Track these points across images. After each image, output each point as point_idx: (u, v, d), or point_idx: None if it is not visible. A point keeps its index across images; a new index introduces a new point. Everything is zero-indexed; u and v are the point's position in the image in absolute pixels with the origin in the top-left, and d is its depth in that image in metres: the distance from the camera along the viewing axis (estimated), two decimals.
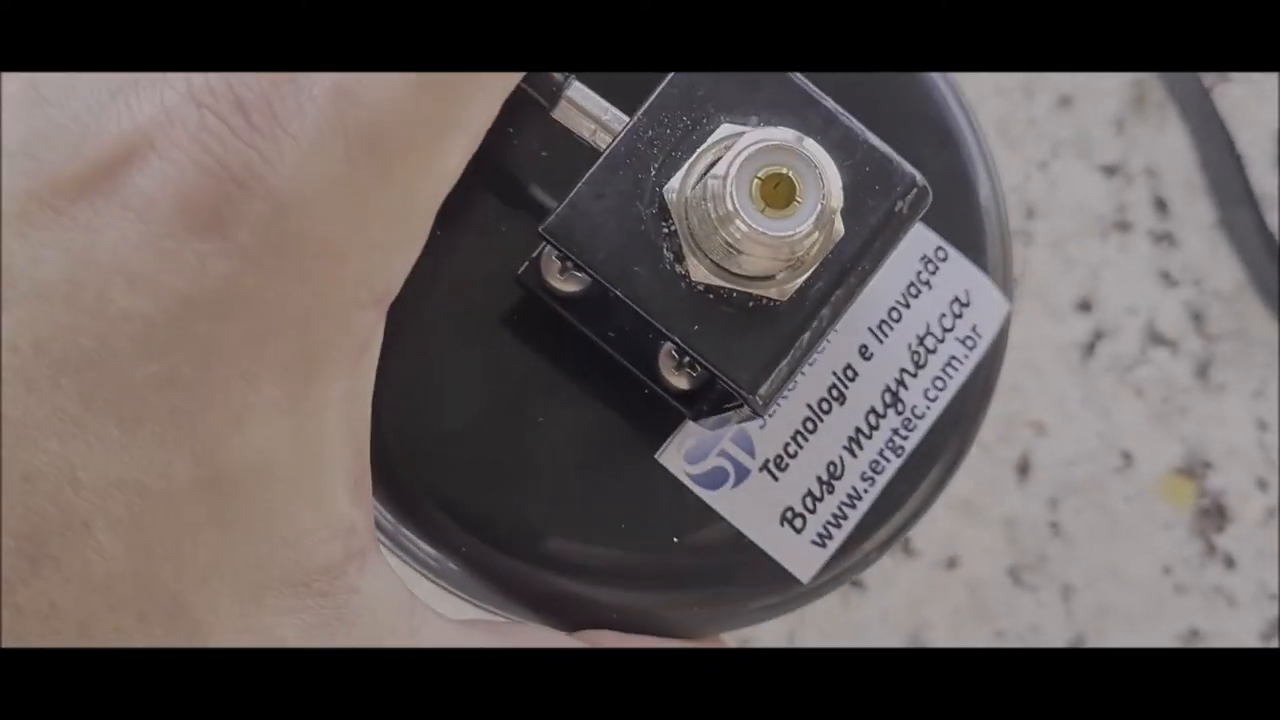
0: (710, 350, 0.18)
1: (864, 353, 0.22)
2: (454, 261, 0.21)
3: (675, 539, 0.21)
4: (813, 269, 0.18)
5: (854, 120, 0.19)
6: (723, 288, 0.18)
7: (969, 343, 0.22)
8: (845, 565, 0.22)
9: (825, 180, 0.17)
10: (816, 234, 0.18)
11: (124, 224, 0.15)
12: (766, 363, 0.18)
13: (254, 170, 0.15)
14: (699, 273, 0.18)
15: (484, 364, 0.21)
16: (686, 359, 0.21)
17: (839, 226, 0.18)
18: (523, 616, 0.22)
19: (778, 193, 0.17)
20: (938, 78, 0.23)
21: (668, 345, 0.21)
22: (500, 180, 0.21)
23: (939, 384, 0.22)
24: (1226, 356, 0.34)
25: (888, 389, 0.22)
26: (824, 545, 0.21)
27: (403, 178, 0.16)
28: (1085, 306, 0.34)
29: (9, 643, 0.15)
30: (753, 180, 0.17)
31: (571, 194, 0.18)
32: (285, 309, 0.16)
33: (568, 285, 0.21)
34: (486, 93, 0.17)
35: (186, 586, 0.15)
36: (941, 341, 0.22)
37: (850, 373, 0.22)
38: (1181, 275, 0.34)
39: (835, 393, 0.22)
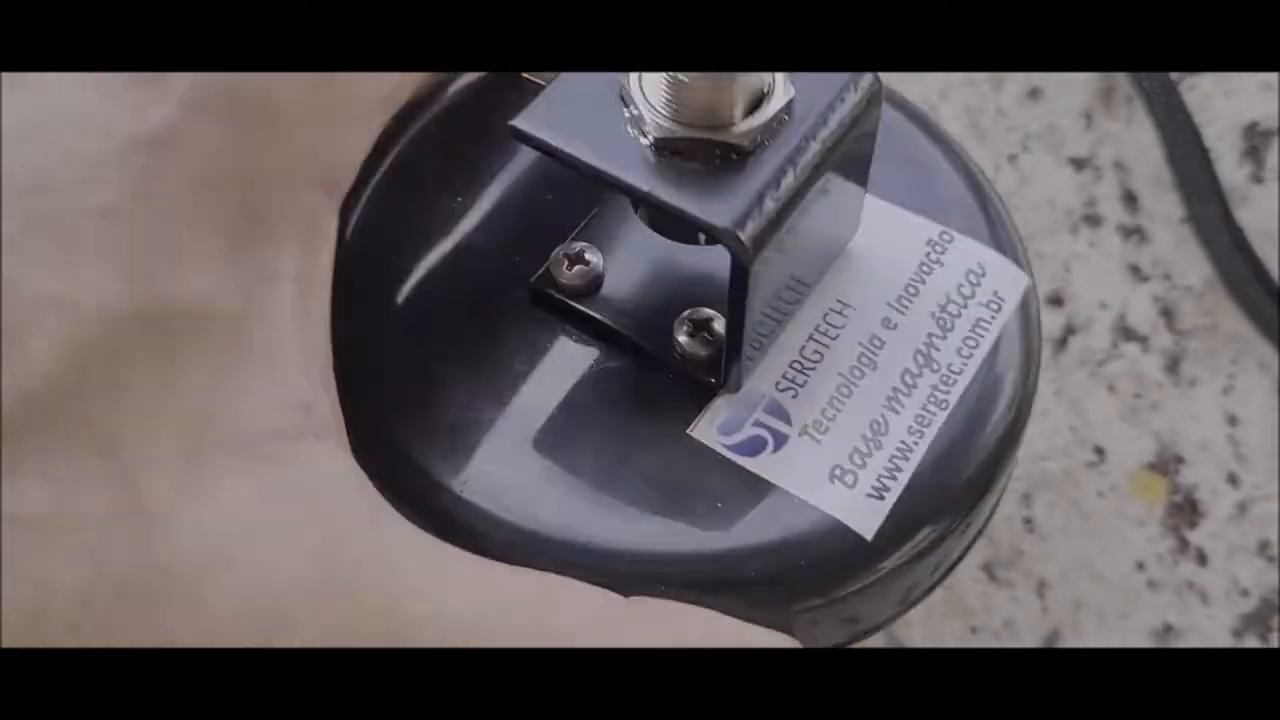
0: (684, 199, 0.18)
1: (887, 324, 0.23)
2: (472, 275, 0.22)
3: (719, 504, 0.21)
4: (771, 117, 0.19)
5: None
6: (688, 139, 0.19)
7: (993, 306, 0.23)
8: (918, 529, 0.21)
9: None
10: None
11: (73, 79, 0.16)
12: (742, 204, 0.19)
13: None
14: (664, 127, 0.19)
15: (506, 372, 0.22)
16: (702, 324, 0.21)
17: (789, 86, 0.19)
18: None
19: None
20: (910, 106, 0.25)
21: (684, 315, 0.21)
22: (510, 204, 0.22)
23: (970, 343, 0.23)
24: (1197, 352, 0.34)
25: (919, 351, 0.22)
26: (882, 498, 0.21)
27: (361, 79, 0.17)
28: (1057, 301, 0.34)
29: None
30: None
31: (541, 94, 0.19)
32: (226, 163, 0.16)
33: (578, 278, 0.22)
34: None
35: (121, 423, 0.15)
36: (965, 307, 0.23)
37: (877, 341, 0.23)
38: (1151, 270, 0.34)
39: (865, 360, 0.22)
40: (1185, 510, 0.34)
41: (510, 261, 0.22)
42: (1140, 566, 0.34)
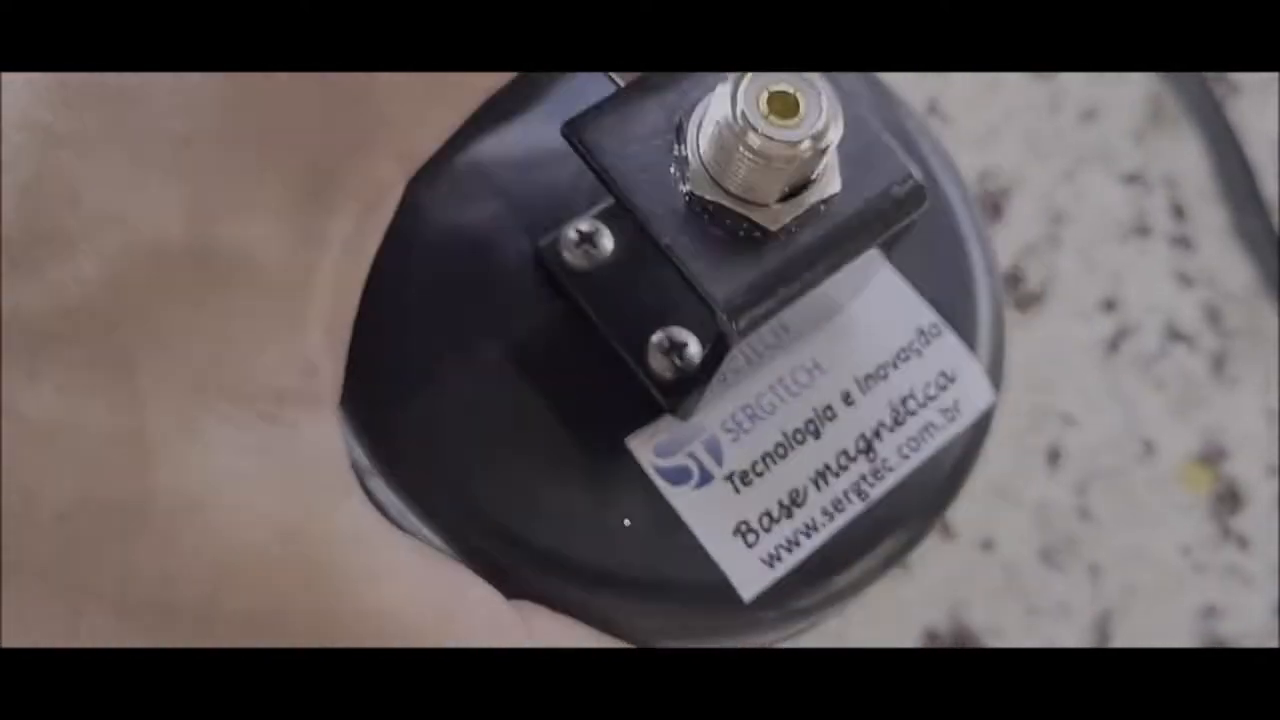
0: (695, 262, 0.18)
1: (846, 398, 0.22)
2: (480, 233, 0.22)
3: (626, 522, 0.21)
4: (806, 208, 0.19)
5: (867, 112, 0.19)
6: (721, 205, 0.18)
7: (949, 415, 0.23)
8: (791, 600, 0.22)
9: (825, 103, 0.18)
10: (813, 158, 0.18)
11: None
12: (746, 286, 0.18)
13: None
14: (701, 188, 0.18)
15: (481, 319, 0.22)
16: (674, 347, 0.21)
17: (835, 180, 0.19)
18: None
19: (782, 104, 0.18)
20: (952, 184, 0.24)
21: (659, 335, 0.21)
22: (546, 158, 0.21)
23: (913, 444, 0.22)
24: (1240, 352, 0.37)
25: (863, 436, 0.22)
26: (772, 566, 0.21)
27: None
28: (1109, 306, 0.37)
29: None
30: (762, 93, 0.18)
31: (598, 102, 0.19)
32: (309, 120, 0.16)
33: (581, 261, 0.22)
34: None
35: (141, 348, 0.15)
36: (923, 406, 0.23)
37: (830, 412, 0.22)
38: (1198, 276, 0.37)
39: (811, 427, 0.22)
40: (1228, 499, 0.36)
41: (530, 213, 0.22)
42: (1186, 551, 0.36)
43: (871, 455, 0.22)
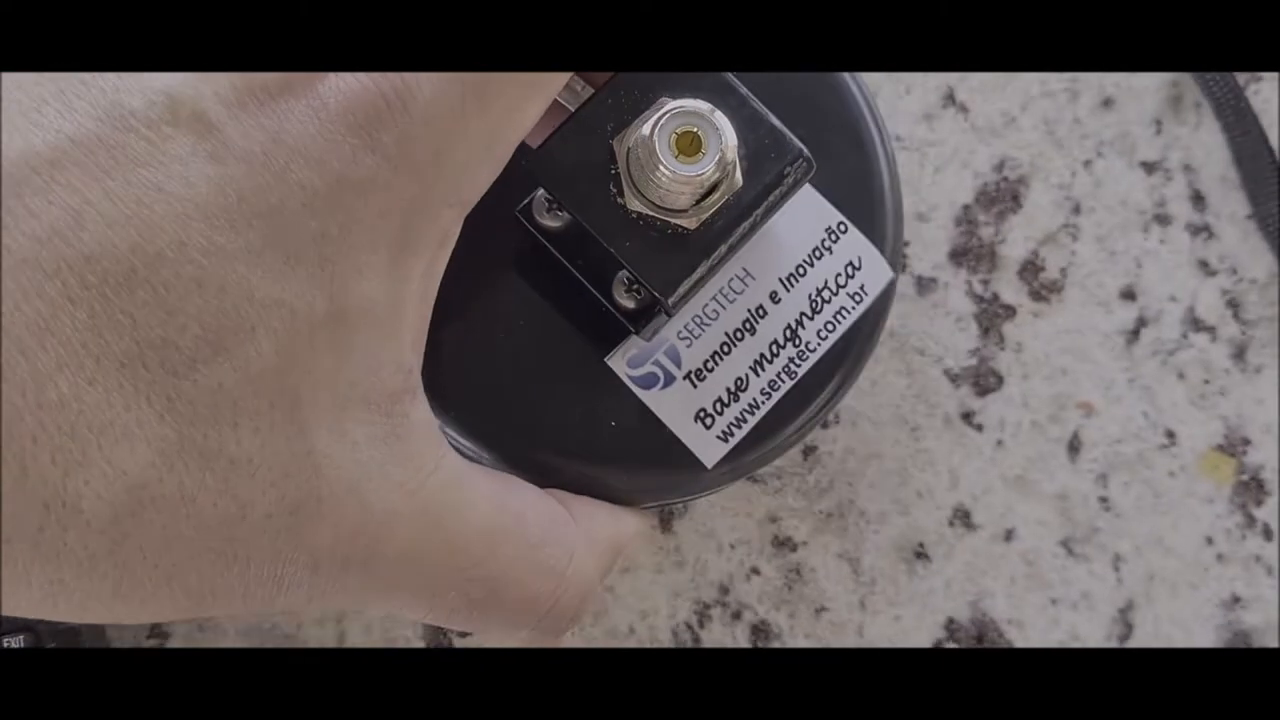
0: (637, 262, 0.24)
1: (773, 297, 0.28)
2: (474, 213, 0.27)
3: (613, 423, 0.28)
4: (716, 208, 0.24)
5: (762, 105, 0.24)
6: (650, 215, 0.24)
7: (856, 298, 0.28)
8: (742, 460, 0.28)
9: (724, 138, 0.23)
10: (716, 176, 0.24)
11: (305, 118, 0.19)
12: (676, 274, 0.24)
13: (400, 94, 0.20)
14: (633, 204, 0.24)
15: (486, 279, 0.28)
16: (633, 285, 0.27)
17: (738, 178, 0.24)
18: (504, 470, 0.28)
19: (688, 145, 0.23)
20: (855, 89, 0.29)
21: (620, 273, 0.27)
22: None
23: (830, 327, 0.28)
24: (1262, 341, 0.36)
25: (789, 326, 0.28)
26: (726, 440, 0.28)
27: (496, 118, 0.21)
28: (1129, 295, 0.36)
29: (195, 404, 0.19)
30: (671, 135, 0.23)
31: (547, 140, 0.24)
32: (401, 197, 0.20)
33: (551, 222, 0.27)
34: (555, 79, 0.23)
35: (305, 390, 0.20)
36: (835, 294, 0.28)
37: (761, 311, 0.28)
38: (1219, 265, 0.37)
39: (748, 325, 0.28)
40: (1252, 489, 0.36)
41: (506, 188, 0.25)
42: (1209, 541, 0.36)
43: (797, 341, 0.28)
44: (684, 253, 0.24)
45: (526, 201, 0.27)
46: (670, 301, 0.24)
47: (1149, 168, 0.37)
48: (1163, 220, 0.37)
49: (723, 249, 0.24)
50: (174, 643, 0.33)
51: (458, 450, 0.27)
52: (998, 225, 0.36)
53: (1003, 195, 0.36)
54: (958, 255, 0.36)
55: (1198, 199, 0.37)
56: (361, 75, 0.19)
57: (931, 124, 0.36)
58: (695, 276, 0.24)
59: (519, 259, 0.28)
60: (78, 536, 0.18)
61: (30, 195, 0.17)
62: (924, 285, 0.36)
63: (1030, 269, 0.36)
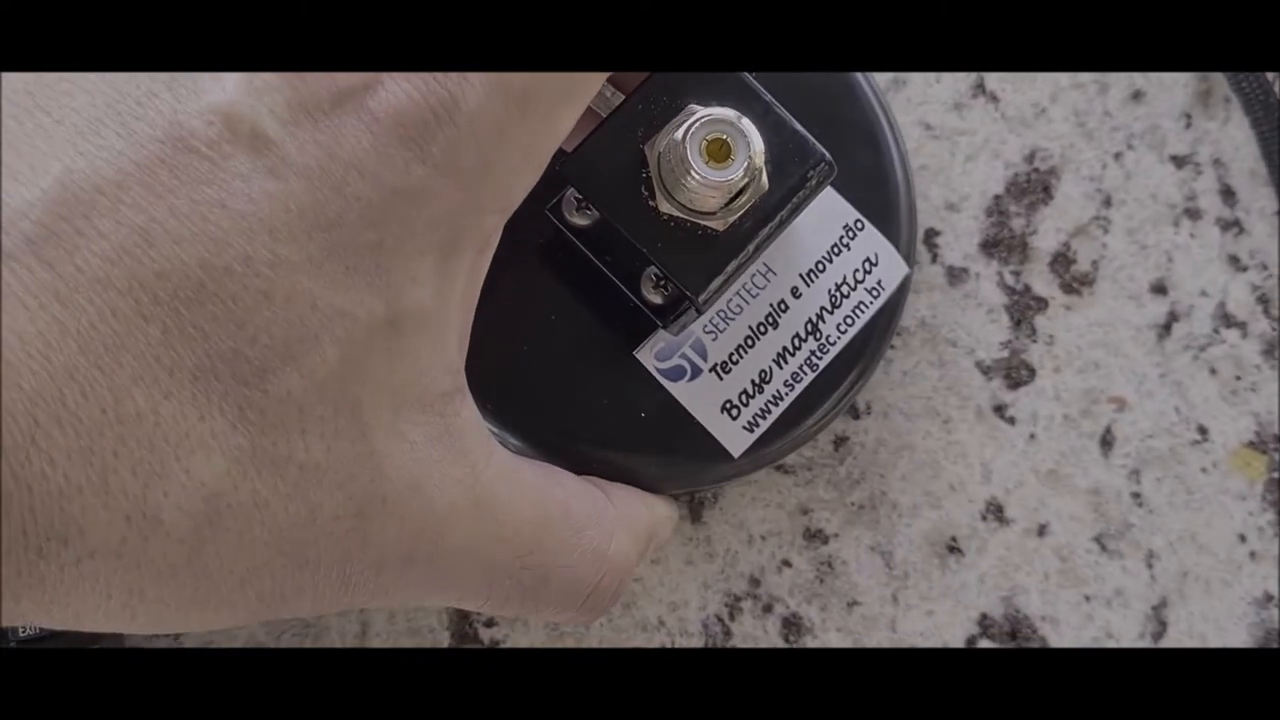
0: (669, 263, 0.25)
1: (795, 293, 0.29)
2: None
3: (643, 414, 0.29)
4: (744, 210, 0.25)
5: (785, 111, 0.25)
6: (680, 218, 0.25)
7: (874, 292, 0.30)
8: (767, 449, 0.30)
9: (752, 144, 0.25)
10: (745, 180, 0.25)
11: (359, 132, 0.20)
12: (706, 273, 0.25)
13: (447, 105, 0.20)
14: (664, 207, 0.25)
15: (519, 276, 0.29)
16: (661, 280, 0.28)
17: (764, 182, 0.25)
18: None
19: (718, 151, 0.24)
20: (868, 88, 0.31)
21: (649, 269, 0.28)
22: None
23: (849, 320, 0.30)
24: None
25: (809, 320, 0.29)
26: (752, 431, 0.29)
27: (534, 126, 0.22)
28: (1160, 289, 0.36)
29: (266, 413, 0.19)
30: (702, 141, 0.24)
31: (580, 145, 0.25)
32: (449, 205, 0.21)
33: (580, 220, 0.28)
34: (591, 81, 0.23)
35: (365, 395, 0.21)
36: (854, 289, 0.30)
37: (783, 306, 0.29)
38: (1249, 260, 0.36)
39: (771, 320, 0.29)
40: None
41: (541, 181, 0.27)
42: (1242, 539, 0.35)
43: (818, 334, 0.30)
44: (713, 253, 0.25)
45: (556, 200, 0.28)
46: (701, 299, 0.25)
47: (1179, 161, 0.36)
48: (1193, 214, 0.36)
49: (750, 249, 0.26)
50: (189, 641, 0.33)
51: (499, 442, 0.27)
52: (1029, 216, 0.36)
53: (1034, 186, 0.36)
54: (989, 246, 0.36)
55: (1228, 193, 0.37)
56: (408, 84, 0.20)
57: (962, 113, 0.36)
58: (724, 276, 0.25)
59: (549, 256, 0.29)
60: (158, 547, 0.19)
61: (98, 217, 0.18)
62: (955, 276, 0.35)
63: (1061, 261, 0.36)
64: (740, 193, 0.25)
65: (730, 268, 0.25)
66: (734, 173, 0.25)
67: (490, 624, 0.33)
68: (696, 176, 0.24)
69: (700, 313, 0.26)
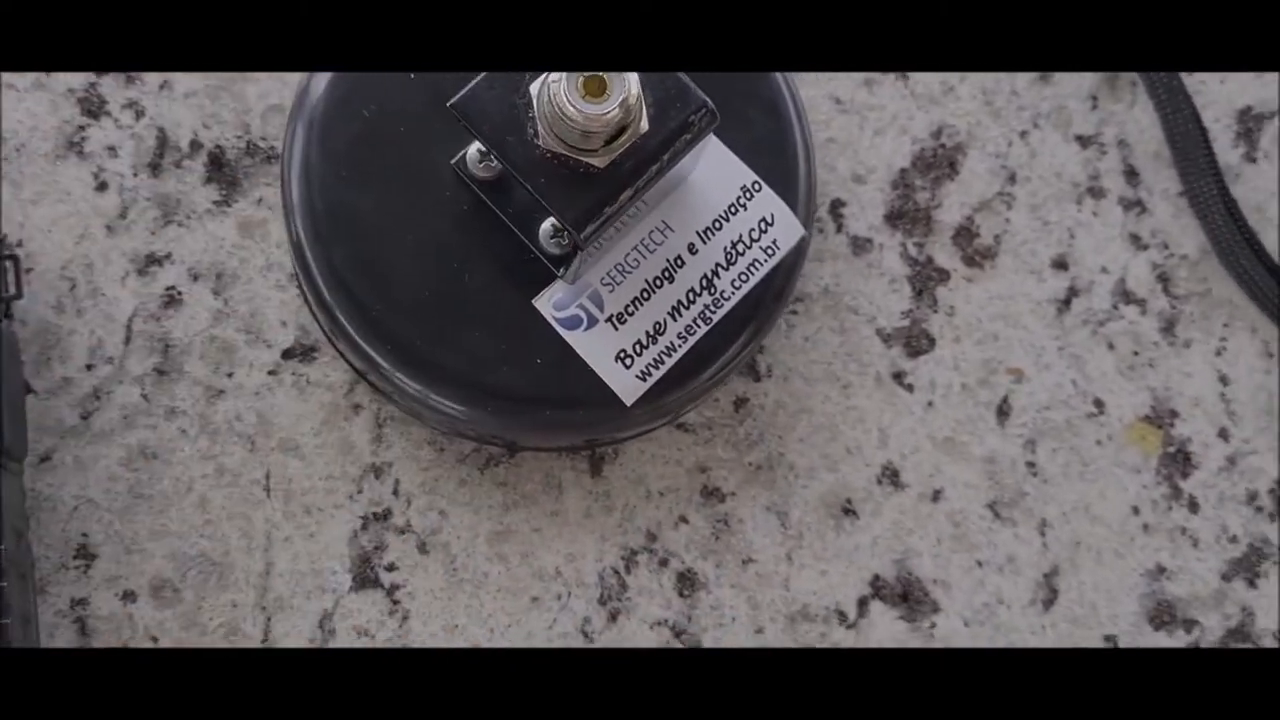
0: (551, 198, 0.26)
1: (691, 249, 0.31)
2: (413, 154, 0.30)
3: (539, 360, 0.30)
4: (624, 149, 0.26)
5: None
6: (563, 154, 0.26)
7: (769, 251, 0.31)
8: (661, 400, 0.30)
9: (628, 84, 0.25)
10: (621, 117, 0.26)
11: None
12: (587, 209, 0.26)
13: None
14: (548, 143, 0.26)
15: (426, 227, 0.30)
16: (559, 231, 0.29)
17: (644, 123, 0.26)
18: (424, 409, 0.30)
19: (594, 88, 0.25)
20: (780, 79, 0.32)
21: (547, 221, 0.29)
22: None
23: (743, 277, 0.31)
24: (1191, 315, 0.37)
25: (705, 276, 0.30)
26: (644, 380, 0.30)
27: None
28: (1061, 265, 0.37)
29: None
30: (580, 78, 0.25)
31: (472, 84, 0.26)
32: None
33: (483, 173, 0.29)
34: None
35: None
36: (749, 248, 0.31)
37: (679, 261, 0.30)
38: (1150, 239, 0.37)
39: (667, 274, 0.30)
40: (1179, 461, 0.37)
41: (448, 136, 0.29)
42: (1135, 511, 0.36)
43: (712, 289, 0.30)
44: (594, 190, 0.26)
45: (461, 155, 0.29)
46: (582, 236, 0.26)
47: (1084, 141, 0.37)
48: (1096, 193, 0.37)
49: (633, 190, 0.26)
50: (101, 564, 0.33)
51: (400, 388, 0.30)
52: (934, 190, 0.37)
53: (940, 161, 0.37)
54: (893, 218, 0.36)
55: (1131, 174, 0.37)
56: None
57: (872, 89, 0.37)
58: (606, 214, 0.26)
59: (454, 208, 0.30)
60: None
61: None
62: (859, 246, 0.36)
63: (965, 235, 0.37)
64: (620, 132, 0.26)
65: (612, 207, 0.26)
66: (609, 107, 0.25)
67: (391, 568, 0.34)
68: (573, 110, 0.25)
69: (581, 248, 0.27)
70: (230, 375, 0.34)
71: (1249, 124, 0.38)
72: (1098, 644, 0.35)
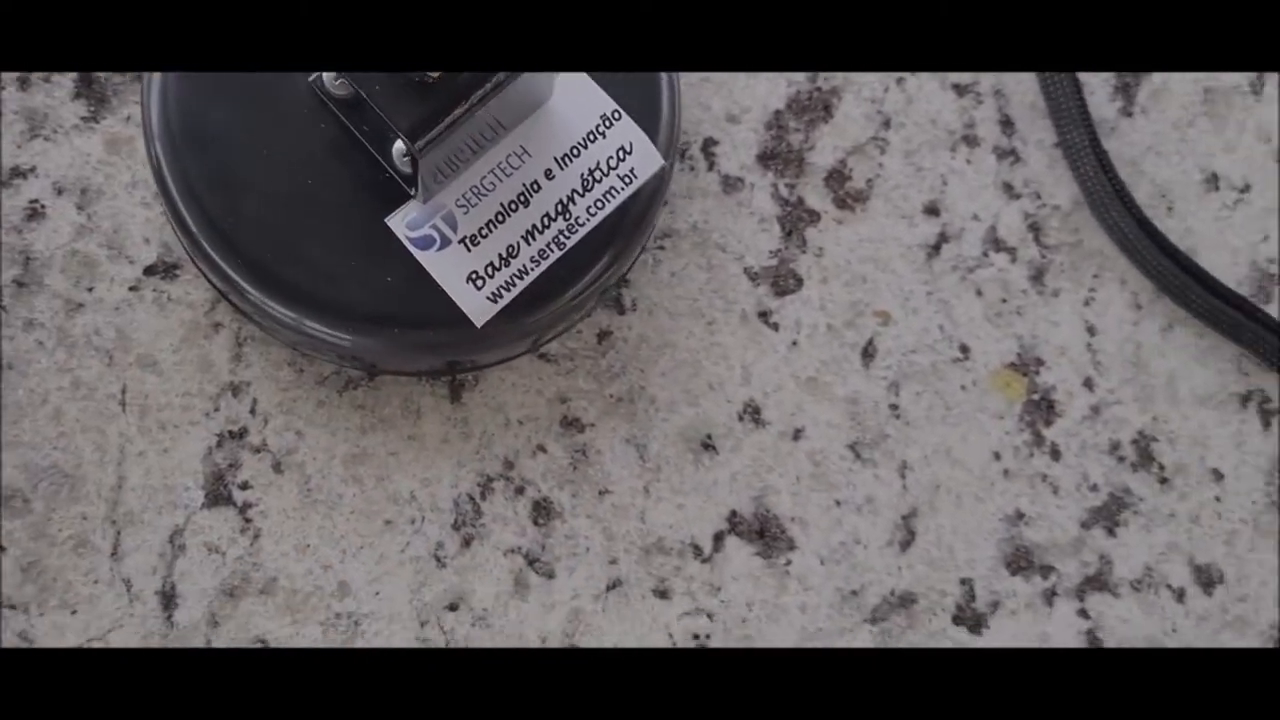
0: (388, 107, 0.27)
1: (548, 174, 0.31)
2: (267, 80, 0.30)
3: (389, 279, 0.30)
4: None
5: None
6: None
7: (626, 180, 0.31)
8: (514, 324, 0.31)
9: None
10: None
11: None
12: (423, 119, 0.27)
13: None
14: None
15: (282, 144, 0.30)
16: (407, 155, 0.29)
17: None
18: (278, 324, 0.30)
19: None
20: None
21: (399, 142, 0.29)
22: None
23: (599, 204, 0.31)
24: (1061, 265, 0.37)
25: (560, 201, 0.31)
26: (495, 301, 0.30)
27: None
28: (933, 211, 0.37)
29: None
30: None
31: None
32: None
33: (340, 91, 0.30)
34: None
35: None
36: (606, 175, 0.31)
37: (536, 186, 0.31)
38: (1023, 189, 0.37)
39: (522, 198, 0.30)
40: (1042, 408, 0.37)
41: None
42: (997, 456, 0.37)
43: (567, 215, 0.31)
44: (430, 102, 0.27)
45: (318, 74, 0.30)
46: (417, 146, 0.27)
47: (960, 90, 0.38)
48: (971, 141, 0.37)
49: (467, 103, 0.27)
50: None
51: (254, 304, 0.30)
52: (808, 133, 0.37)
53: (815, 104, 0.37)
54: (766, 158, 0.37)
55: (1007, 124, 0.38)
56: None
57: None
58: (442, 124, 0.27)
59: (313, 128, 0.30)
60: None
61: None
62: (730, 184, 0.36)
63: (837, 177, 0.37)
64: None
65: (447, 119, 0.27)
66: None
67: (245, 486, 0.34)
68: None
69: (418, 157, 0.27)
70: (91, 290, 0.34)
71: (1127, 79, 0.38)
72: (953, 586, 0.36)
